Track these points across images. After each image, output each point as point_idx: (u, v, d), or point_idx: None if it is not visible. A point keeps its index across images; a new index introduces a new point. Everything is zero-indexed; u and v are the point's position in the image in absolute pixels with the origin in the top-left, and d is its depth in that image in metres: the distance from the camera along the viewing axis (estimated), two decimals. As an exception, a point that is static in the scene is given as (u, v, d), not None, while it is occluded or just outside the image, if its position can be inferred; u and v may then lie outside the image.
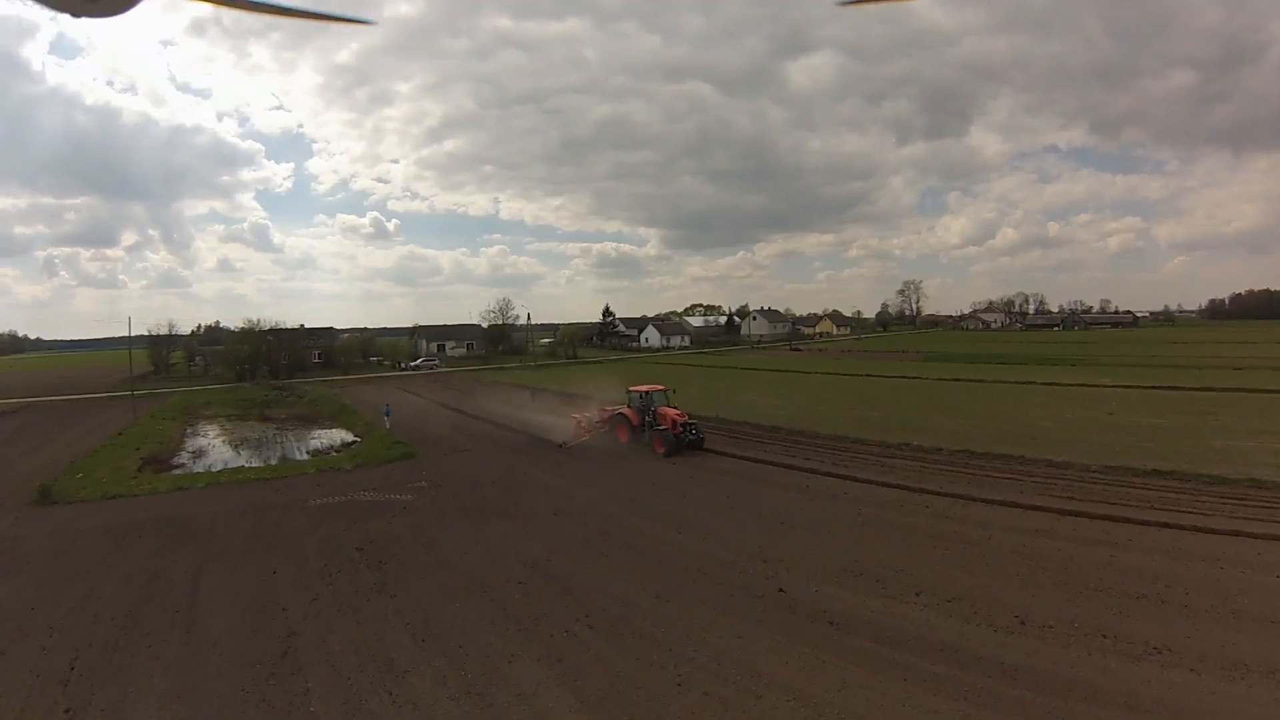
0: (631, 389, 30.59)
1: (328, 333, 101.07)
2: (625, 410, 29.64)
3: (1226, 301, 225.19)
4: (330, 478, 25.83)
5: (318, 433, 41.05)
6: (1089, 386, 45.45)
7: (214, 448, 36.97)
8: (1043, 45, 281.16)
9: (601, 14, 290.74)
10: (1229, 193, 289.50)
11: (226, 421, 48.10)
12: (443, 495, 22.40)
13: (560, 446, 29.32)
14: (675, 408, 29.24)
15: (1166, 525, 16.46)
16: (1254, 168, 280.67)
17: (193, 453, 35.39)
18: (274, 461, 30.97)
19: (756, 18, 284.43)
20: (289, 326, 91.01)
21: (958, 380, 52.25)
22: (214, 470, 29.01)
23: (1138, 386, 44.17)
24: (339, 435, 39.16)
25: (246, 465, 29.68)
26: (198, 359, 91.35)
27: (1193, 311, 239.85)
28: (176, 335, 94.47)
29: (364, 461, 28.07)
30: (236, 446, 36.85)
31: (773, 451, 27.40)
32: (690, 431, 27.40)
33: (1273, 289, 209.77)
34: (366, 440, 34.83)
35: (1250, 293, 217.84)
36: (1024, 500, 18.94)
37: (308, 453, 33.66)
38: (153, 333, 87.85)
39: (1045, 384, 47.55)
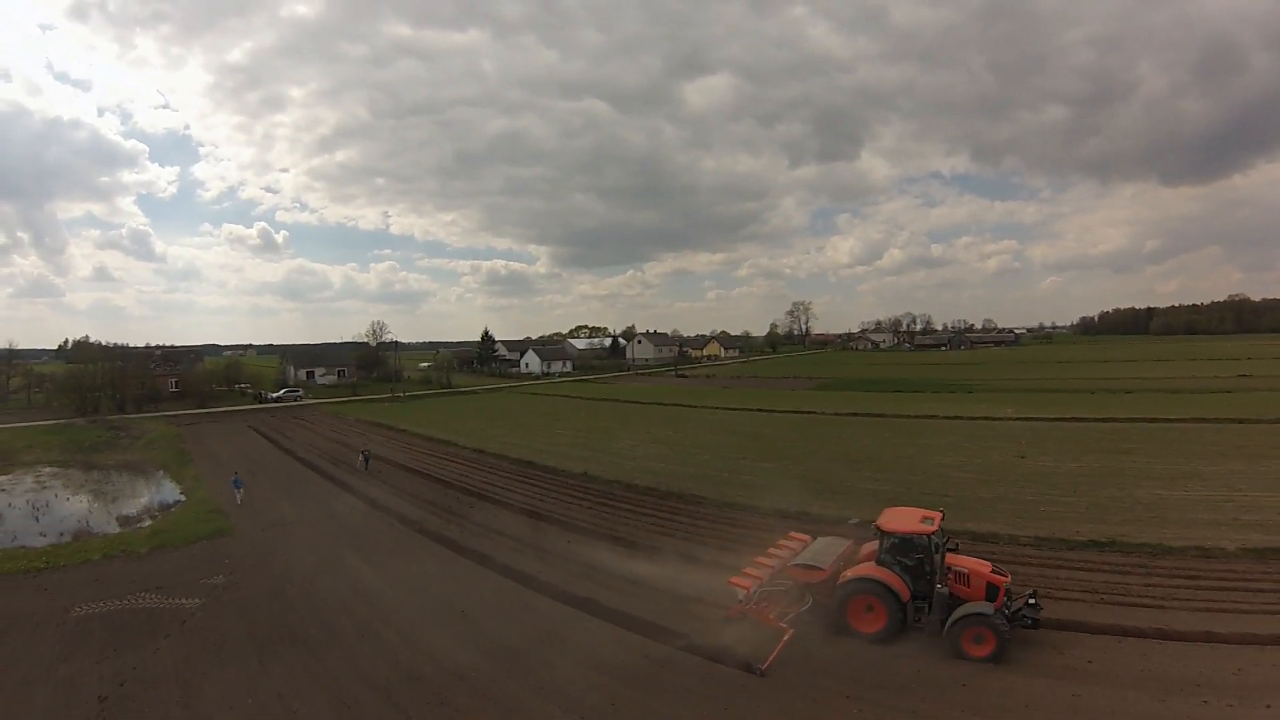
0: (886, 527, 15.24)
1: (187, 355, 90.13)
2: (874, 571, 14.91)
3: (1096, 318, 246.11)
4: (115, 567, 20.65)
5: (139, 489, 35.33)
6: (993, 420, 44.79)
7: (8, 511, 30.71)
8: (930, 76, 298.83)
9: (501, 25, 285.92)
10: (1096, 218, 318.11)
11: (45, 469, 40.97)
12: (236, 601, 17.87)
13: (751, 670, 13.32)
14: (952, 544, 16.32)
15: (1126, 633, 14.00)
16: (1119, 195, 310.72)
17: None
18: (65, 536, 25.06)
19: (654, 37, 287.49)
20: (138, 346, 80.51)
21: (855, 415, 50.12)
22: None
23: (1041, 419, 43.70)
24: (163, 493, 33.48)
25: (25, 546, 23.70)
26: (38, 387, 79.14)
27: (1065, 328, 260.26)
28: (16, 352, 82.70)
29: (163, 542, 22.74)
30: (37, 510, 30.51)
31: (642, 527, 23.55)
32: (1022, 604, 14.14)
33: (1136, 306, 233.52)
34: (180, 506, 29.40)
35: (1116, 310, 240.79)
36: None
37: (116, 519, 27.97)
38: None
39: (947, 418, 46.39)
